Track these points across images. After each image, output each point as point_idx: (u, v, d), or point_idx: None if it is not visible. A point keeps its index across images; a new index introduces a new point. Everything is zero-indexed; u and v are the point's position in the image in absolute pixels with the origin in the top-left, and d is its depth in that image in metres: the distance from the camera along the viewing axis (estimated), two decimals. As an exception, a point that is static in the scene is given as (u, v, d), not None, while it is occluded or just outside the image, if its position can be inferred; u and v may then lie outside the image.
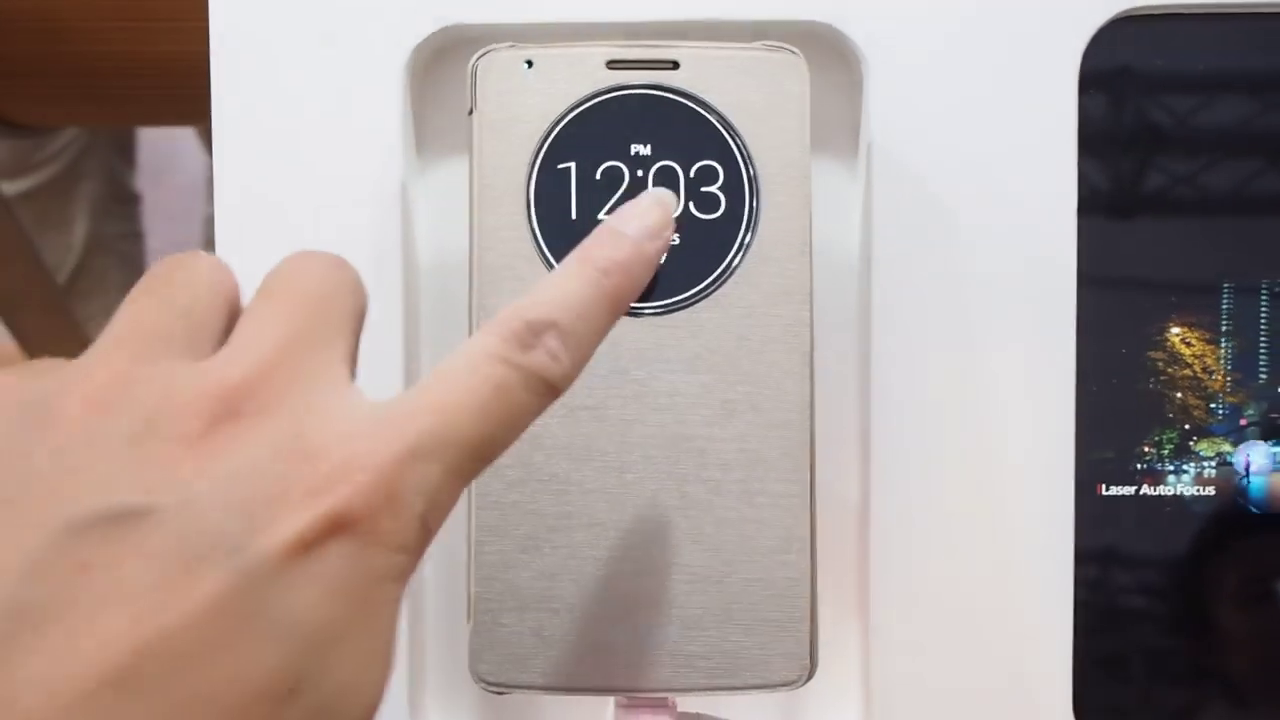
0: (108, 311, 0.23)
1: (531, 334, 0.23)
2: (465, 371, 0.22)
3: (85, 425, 0.20)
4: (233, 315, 0.23)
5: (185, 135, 1.28)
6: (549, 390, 0.23)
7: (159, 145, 1.31)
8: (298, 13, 0.33)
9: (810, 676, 0.30)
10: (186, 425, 0.20)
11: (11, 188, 0.94)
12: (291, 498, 0.20)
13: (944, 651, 0.34)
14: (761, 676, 0.30)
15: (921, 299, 0.34)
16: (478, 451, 0.22)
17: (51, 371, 0.22)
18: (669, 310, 0.30)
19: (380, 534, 0.20)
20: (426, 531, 0.21)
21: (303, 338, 0.22)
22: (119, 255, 1.11)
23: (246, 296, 0.24)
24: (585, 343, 0.24)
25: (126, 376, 0.21)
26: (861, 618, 0.35)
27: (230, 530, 0.19)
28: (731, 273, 0.30)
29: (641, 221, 0.26)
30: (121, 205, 1.19)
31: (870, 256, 0.34)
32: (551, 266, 0.30)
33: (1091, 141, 0.34)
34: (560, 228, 0.30)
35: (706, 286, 0.30)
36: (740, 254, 0.30)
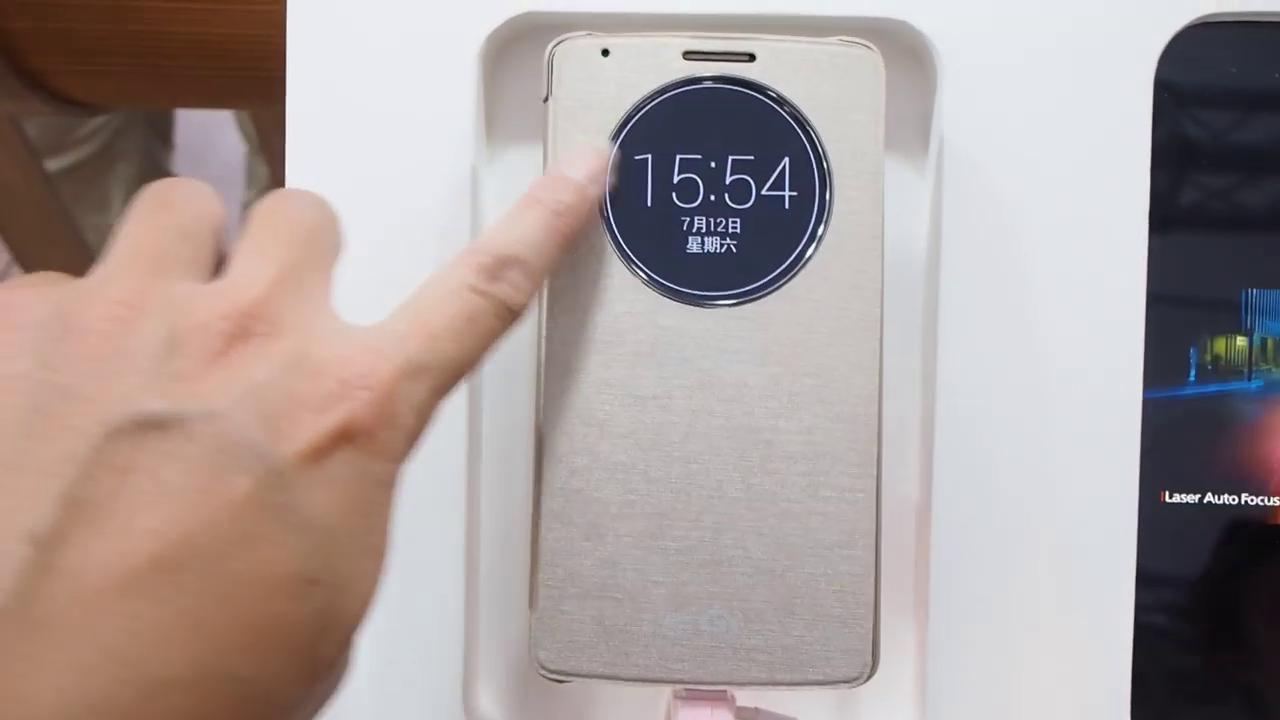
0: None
1: (499, 267, 0.26)
2: (444, 299, 0.25)
3: (111, 339, 0.22)
4: (221, 242, 0.25)
5: (223, 118, 1.28)
6: (512, 316, 0.26)
7: (197, 128, 1.31)
8: (374, -3, 0.34)
9: (871, 674, 0.29)
10: (205, 343, 0.22)
11: (51, 164, 0.95)
12: (304, 411, 0.22)
13: (1002, 657, 0.33)
14: (822, 672, 0.29)
15: (988, 300, 0.34)
16: (456, 371, 0.24)
17: (61, 286, 0.23)
18: (739, 302, 0.30)
19: (378, 444, 0.23)
20: (413, 443, 0.24)
21: (298, 266, 0.24)
22: None
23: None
24: (540, 275, 0.27)
25: (143, 294, 0.22)
26: (919, 619, 0.34)
27: (255, 439, 0.21)
28: (802, 266, 0.30)
29: (585, 167, 0.28)
30: None
31: (938, 255, 0.34)
32: (624, 253, 0.30)
33: (1164, 148, 0.33)
34: (633, 216, 0.30)
35: (777, 278, 0.30)
36: (812, 247, 0.30)
